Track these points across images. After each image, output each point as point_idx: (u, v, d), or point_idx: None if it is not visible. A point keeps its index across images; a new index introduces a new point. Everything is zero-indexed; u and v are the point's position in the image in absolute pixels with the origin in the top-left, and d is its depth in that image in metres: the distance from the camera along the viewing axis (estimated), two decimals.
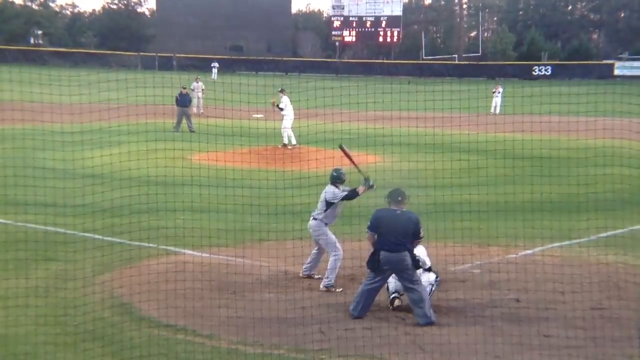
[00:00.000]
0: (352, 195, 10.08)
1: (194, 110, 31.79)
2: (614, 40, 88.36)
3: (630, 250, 9.99)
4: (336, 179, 10.30)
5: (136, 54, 74.33)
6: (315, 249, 10.37)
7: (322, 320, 8.71)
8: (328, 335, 8.24)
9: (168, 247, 11.09)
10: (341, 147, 10.36)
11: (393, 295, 9.25)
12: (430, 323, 8.65)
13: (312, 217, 10.29)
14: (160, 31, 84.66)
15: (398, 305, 9.19)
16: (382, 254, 8.76)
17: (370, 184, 10.03)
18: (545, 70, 68.35)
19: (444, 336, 8.16)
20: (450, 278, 10.27)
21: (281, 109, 23.93)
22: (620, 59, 70.04)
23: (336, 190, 10.22)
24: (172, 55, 72.43)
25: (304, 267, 10.45)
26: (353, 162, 10.22)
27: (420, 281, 8.88)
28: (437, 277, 9.36)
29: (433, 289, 9.24)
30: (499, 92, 35.74)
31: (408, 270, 8.78)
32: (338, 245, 10.15)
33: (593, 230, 11.23)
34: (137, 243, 11.07)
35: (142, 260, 10.69)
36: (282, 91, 24.26)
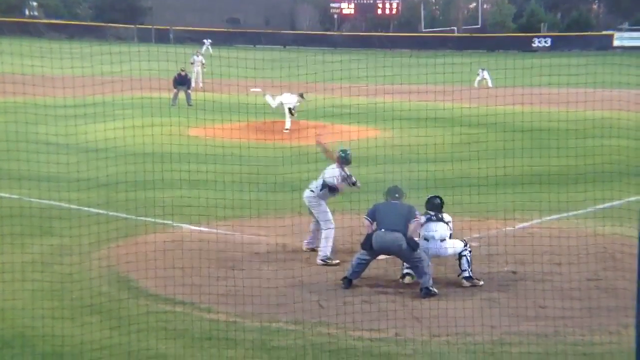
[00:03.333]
0: (350, 184, 10.06)
1: (193, 85, 31.59)
2: (613, 10, 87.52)
3: (627, 221, 10.01)
4: (342, 160, 10.08)
5: (132, 26, 73.64)
6: (314, 221, 10.37)
7: (320, 293, 8.77)
8: (326, 308, 8.29)
9: (166, 222, 11.10)
10: (318, 142, 10.27)
11: (406, 271, 9.32)
12: (429, 293, 8.77)
13: (309, 189, 10.24)
14: (157, 3, 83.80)
15: (408, 283, 9.27)
16: (377, 232, 8.92)
17: (353, 180, 10.07)
18: (545, 42, 67.80)
19: (441, 308, 8.21)
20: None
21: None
22: (620, 30, 69.48)
23: (337, 172, 10.06)
24: (168, 27, 71.78)
25: (305, 241, 10.46)
26: (332, 158, 10.10)
27: (421, 257, 8.94)
28: (466, 245, 9.40)
29: (468, 257, 9.26)
30: (486, 75, 35.31)
31: (404, 252, 8.92)
32: (330, 216, 10.10)
33: (590, 202, 11.24)
34: (135, 217, 11.07)
35: (140, 235, 10.71)
36: (301, 96, 21.77)
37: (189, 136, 15.58)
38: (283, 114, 22.24)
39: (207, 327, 7.85)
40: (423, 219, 9.45)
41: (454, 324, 7.80)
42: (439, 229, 9.38)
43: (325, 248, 9.98)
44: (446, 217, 9.59)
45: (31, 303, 8.07)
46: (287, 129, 21.85)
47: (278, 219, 10.98)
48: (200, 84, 32.43)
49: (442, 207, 9.58)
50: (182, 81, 28.25)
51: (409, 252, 8.93)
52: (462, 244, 9.39)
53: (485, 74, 35.45)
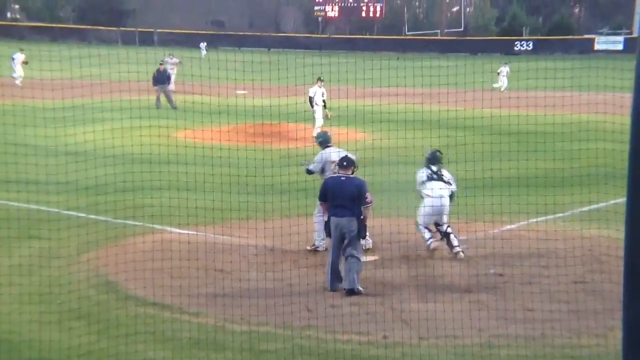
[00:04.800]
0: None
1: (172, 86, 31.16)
2: (594, 14, 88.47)
3: (612, 224, 10.09)
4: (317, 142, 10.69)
5: (116, 28, 73.20)
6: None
7: (309, 297, 8.75)
8: (314, 311, 8.28)
9: (153, 225, 11.03)
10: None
11: (429, 240, 9.83)
12: (352, 290, 8.83)
13: None
14: (140, 5, 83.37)
15: (435, 248, 9.85)
16: (332, 219, 8.92)
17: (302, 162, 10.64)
18: (527, 45, 68.36)
19: (430, 311, 8.23)
20: (435, 254, 10.34)
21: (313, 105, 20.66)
22: (600, 34, 70.25)
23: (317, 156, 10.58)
24: (152, 30, 71.42)
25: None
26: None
27: (360, 253, 9.05)
28: None
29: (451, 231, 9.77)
30: (505, 73, 34.41)
31: (353, 236, 8.88)
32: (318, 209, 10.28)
33: (575, 205, 11.34)
34: (122, 221, 10.99)
35: (127, 239, 10.63)
36: (320, 80, 20.45)
37: (176, 139, 15.49)
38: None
39: (195, 331, 7.80)
40: (424, 177, 10.02)
41: (442, 327, 7.82)
42: (442, 188, 10.09)
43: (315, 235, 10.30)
44: (446, 174, 10.10)
45: (17, 308, 7.98)
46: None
47: (266, 221, 10.95)
48: (172, 87, 31.17)
49: (441, 160, 10.20)
50: (160, 79, 27.62)
51: (356, 239, 8.90)
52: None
53: (505, 72, 34.34)
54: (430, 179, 10.24)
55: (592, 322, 8.03)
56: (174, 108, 26.14)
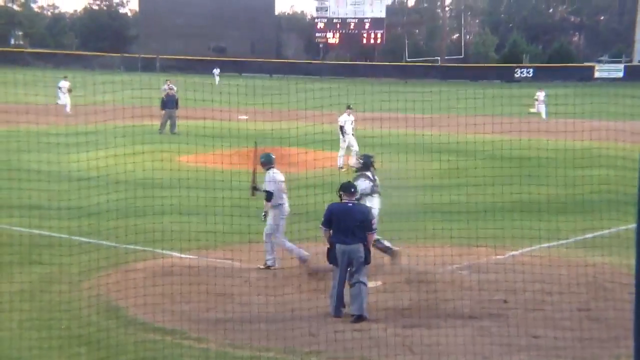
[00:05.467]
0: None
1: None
2: (594, 43, 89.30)
3: (615, 250, 10.08)
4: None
5: (119, 55, 73.82)
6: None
7: (312, 321, 8.70)
8: (317, 336, 8.23)
9: (156, 250, 11.01)
10: (256, 145, 11.09)
11: (390, 247, 10.27)
12: (361, 317, 8.80)
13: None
14: (143, 32, 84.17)
15: (399, 252, 10.27)
16: (338, 246, 8.90)
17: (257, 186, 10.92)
18: (527, 72, 68.84)
19: (433, 337, 8.18)
20: (438, 279, 10.30)
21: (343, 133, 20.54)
22: (600, 62, 70.75)
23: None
24: (155, 56, 72.01)
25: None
26: (254, 166, 10.88)
27: (365, 279, 9.03)
28: None
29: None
30: (542, 98, 33.75)
31: (361, 262, 8.90)
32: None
33: (579, 232, 11.32)
34: (125, 246, 10.97)
35: (129, 264, 10.60)
36: (349, 108, 20.49)
37: (179, 163, 15.53)
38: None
39: (199, 356, 7.75)
40: (368, 189, 10.42)
41: (446, 353, 7.76)
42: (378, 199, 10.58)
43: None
44: (377, 178, 10.62)
45: (19, 333, 7.93)
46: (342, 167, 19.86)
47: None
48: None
49: (374, 164, 10.66)
50: (170, 102, 27.69)
51: (363, 265, 8.92)
52: None
53: (542, 106, 33.30)
54: (372, 191, 10.57)
55: (597, 350, 7.97)
56: (174, 133, 26.28)
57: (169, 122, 27.59)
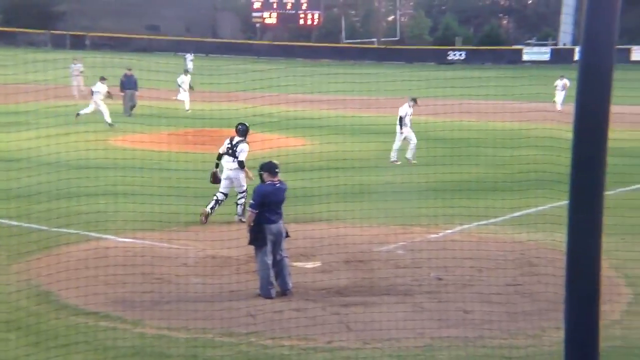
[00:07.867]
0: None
1: (75, 93, 29.76)
2: (522, 26, 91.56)
3: (541, 227, 10.50)
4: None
5: (46, 31, 71.07)
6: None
7: (250, 303, 8.73)
8: (256, 318, 8.27)
9: (89, 233, 10.78)
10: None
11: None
12: (289, 289, 9.05)
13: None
14: (71, 8, 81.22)
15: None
16: (270, 226, 8.95)
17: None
18: (460, 55, 70.08)
19: (370, 314, 8.34)
20: (375, 258, 10.49)
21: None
22: (528, 45, 72.69)
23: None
24: (85, 34, 69.68)
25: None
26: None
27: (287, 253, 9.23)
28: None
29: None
30: (561, 86, 31.08)
31: (283, 238, 9.09)
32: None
33: (507, 210, 11.72)
34: (56, 229, 10.67)
35: (61, 247, 10.34)
36: (413, 101, 18.56)
37: (114, 143, 15.18)
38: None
39: (135, 340, 7.67)
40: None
41: (384, 330, 7.94)
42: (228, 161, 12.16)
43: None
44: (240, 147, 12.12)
45: None
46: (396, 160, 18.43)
47: (206, 228, 10.86)
48: (82, 92, 29.71)
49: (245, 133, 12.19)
50: (129, 83, 26.57)
51: (284, 241, 9.13)
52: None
53: (562, 85, 30.89)
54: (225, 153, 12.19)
55: (525, 323, 8.30)
56: (129, 115, 25.54)
57: (127, 103, 26.65)
